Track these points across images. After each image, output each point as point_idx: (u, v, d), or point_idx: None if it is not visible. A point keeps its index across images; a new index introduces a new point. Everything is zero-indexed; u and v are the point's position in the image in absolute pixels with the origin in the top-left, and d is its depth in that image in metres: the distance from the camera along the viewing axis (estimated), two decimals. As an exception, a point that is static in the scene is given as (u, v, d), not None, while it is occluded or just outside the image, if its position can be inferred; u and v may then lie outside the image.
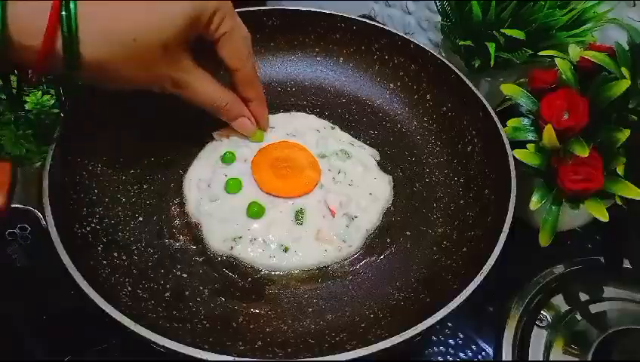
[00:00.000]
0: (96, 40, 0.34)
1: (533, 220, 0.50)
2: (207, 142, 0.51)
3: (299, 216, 0.46)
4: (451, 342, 0.48)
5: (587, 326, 0.47)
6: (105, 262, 0.41)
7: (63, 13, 0.32)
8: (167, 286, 0.42)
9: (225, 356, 0.32)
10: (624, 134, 0.42)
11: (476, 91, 0.50)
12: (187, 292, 0.42)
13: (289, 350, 0.38)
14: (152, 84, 0.39)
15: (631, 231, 0.49)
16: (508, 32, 0.52)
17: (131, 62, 0.36)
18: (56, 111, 0.49)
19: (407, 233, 0.47)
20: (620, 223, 0.47)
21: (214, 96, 0.43)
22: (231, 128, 0.50)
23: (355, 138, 0.54)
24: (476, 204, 0.47)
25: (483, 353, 0.48)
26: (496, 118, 0.48)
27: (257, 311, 0.41)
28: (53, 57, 0.33)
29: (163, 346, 0.32)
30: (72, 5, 0.32)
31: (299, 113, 0.56)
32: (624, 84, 0.42)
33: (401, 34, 0.56)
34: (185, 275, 0.43)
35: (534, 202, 0.45)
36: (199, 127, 0.51)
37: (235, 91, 0.46)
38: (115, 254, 0.42)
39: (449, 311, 0.35)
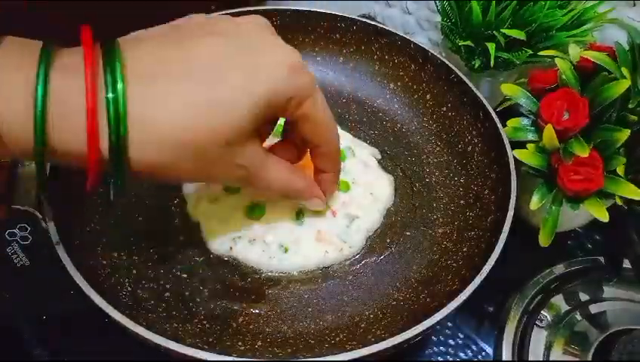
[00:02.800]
0: (145, 143, 0.29)
1: (533, 220, 0.50)
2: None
3: (299, 216, 0.46)
4: (451, 342, 0.48)
5: (587, 326, 0.47)
6: (105, 262, 0.41)
7: (112, 132, 0.28)
8: (167, 286, 0.42)
9: (225, 356, 0.32)
10: (624, 134, 0.42)
11: (476, 91, 0.50)
12: (187, 293, 0.42)
13: (289, 350, 0.38)
14: (216, 179, 0.36)
15: (631, 231, 0.49)
16: (508, 32, 0.52)
17: (190, 163, 0.31)
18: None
19: (407, 233, 0.47)
20: (620, 223, 0.47)
21: (286, 185, 0.39)
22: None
23: (356, 138, 0.54)
24: (476, 204, 0.47)
25: (483, 353, 0.48)
26: (496, 118, 0.48)
27: (257, 311, 0.41)
28: (98, 165, 0.29)
29: (163, 346, 0.32)
30: (120, 107, 0.28)
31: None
32: (624, 84, 0.42)
33: (401, 34, 0.56)
34: (185, 275, 0.43)
35: (534, 202, 0.45)
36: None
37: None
38: (115, 254, 0.42)
39: (449, 311, 0.35)
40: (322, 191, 0.43)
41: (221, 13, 0.55)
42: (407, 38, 0.55)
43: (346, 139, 0.53)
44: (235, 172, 0.34)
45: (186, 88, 0.29)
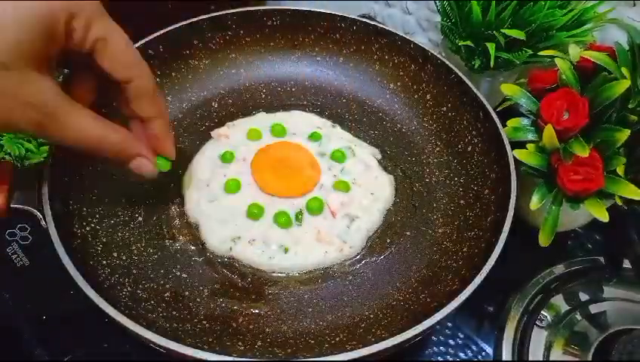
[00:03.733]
0: None
1: (533, 220, 0.50)
2: (206, 142, 0.51)
3: (299, 216, 0.46)
4: (451, 342, 0.48)
5: (587, 326, 0.47)
6: (105, 262, 0.41)
7: None
8: (167, 286, 0.42)
9: (225, 356, 0.32)
10: (624, 134, 0.42)
11: (476, 91, 0.50)
12: (187, 293, 0.42)
13: (289, 350, 0.38)
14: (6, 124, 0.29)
15: (631, 231, 0.49)
16: (508, 32, 0.52)
17: None
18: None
19: (407, 233, 0.47)
20: (620, 223, 0.47)
21: (96, 134, 0.32)
22: (230, 128, 0.50)
23: (356, 137, 0.54)
24: (476, 204, 0.47)
25: (483, 353, 0.48)
26: (496, 118, 0.48)
27: (257, 311, 0.41)
28: None
29: (163, 346, 0.32)
30: None
31: (299, 112, 0.56)
32: (624, 84, 0.42)
33: (401, 34, 0.56)
34: (185, 275, 0.43)
35: (534, 202, 0.45)
36: (198, 125, 0.51)
37: (127, 111, 0.36)
38: (115, 254, 0.42)
39: (449, 311, 0.35)
40: (153, 148, 0.36)
41: (221, 13, 0.55)
42: (407, 38, 0.55)
43: (345, 138, 0.53)
44: (24, 112, 0.29)
45: None
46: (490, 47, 0.53)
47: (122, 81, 0.33)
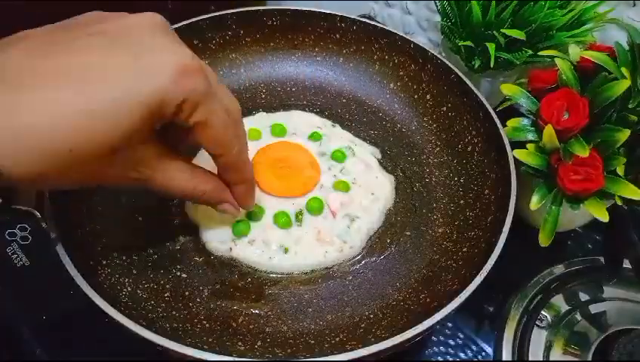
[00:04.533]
0: (20, 154, 0.26)
1: (533, 220, 0.50)
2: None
3: (299, 216, 0.46)
4: (451, 342, 0.48)
5: (587, 326, 0.47)
6: (105, 262, 0.41)
7: None
8: (167, 286, 0.42)
9: (225, 356, 0.32)
10: (624, 134, 0.42)
11: (476, 91, 0.50)
12: (187, 293, 0.42)
13: (289, 350, 0.38)
14: (110, 182, 0.32)
15: (631, 231, 0.49)
16: (508, 32, 0.52)
17: (75, 171, 0.29)
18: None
19: (407, 233, 0.47)
20: (620, 223, 0.47)
21: (188, 187, 0.36)
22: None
23: (356, 137, 0.54)
24: (476, 204, 0.47)
25: (483, 353, 0.48)
26: (496, 118, 0.48)
27: (257, 311, 0.41)
28: None
29: (163, 346, 0.32)
30: None
31: (299, 112, 0.56)
32: (624, 84, 0.42)
33: (401, 34, 0.56)
34: (185, 275, 0.43)
35: (534, 202, 0.45)
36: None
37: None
38: (115, 254, 0.42)
39: (449, 311, 0.35)
40: (238, 201, 0.40)
41: (221, 13, 0.55)
42: (407, 38, 0.55)
43: (346, 138, 0.53)
44: (127, 175, 0.32)
45: (63, 94, 0.27)
46: (490, 47, 0.53)
47: (214, 155, 0.36)
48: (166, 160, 0.34)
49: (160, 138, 0.33)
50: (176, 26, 0.53)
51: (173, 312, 0.40)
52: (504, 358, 0.45)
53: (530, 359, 0.45)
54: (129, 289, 0.40)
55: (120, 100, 0.28)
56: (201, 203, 0.39)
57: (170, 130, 0.34)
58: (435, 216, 0.49)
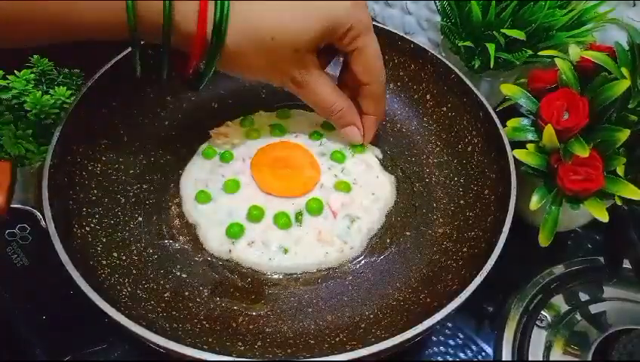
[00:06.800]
0: (240, 33, 0.36)
1: (533, 220, 0.50)
2: (205, 141, 0.51)
3: (299, 216, 0.45)
4: (451, 342, 0.48)
5: (587, 326, 0.47)
6: (105, 262, 0.41)
7: (217, 12, 0.35)
8: (167, 286, 0.42)
9: (225, 356, 0.32)
10: (624, 134, 0.42)
11: (476, 91, 0.50)
12: (187, 293, 0.42)
13: (289, 350, 0.38)
14: (275, 78, 0.42)
15: (631, 231, 0.49)
16: (508, 32, 0.52)
17: (264, 56, 0.38)
18: (56, 111, 0.49)
19: (407, 233, 0.47)
20: (620, 223, 0.47)
21: (330, 100, 0.44)
22: (229, 126, 0.50)
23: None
24: (476, 204, 0.47)
25: (483, 353, 0.48)
26: (496, 118, 0.48)
27: (257, 311, 0.41)
28: (203, 44, 0.36)
29: (163, 346, 0.32)
30: (225, 4, 0.35)
31: (299, 112, 0.56)
32: (624, 84, 0.42)
33: (401, 34, 0.56)
34: (184, 275, 0.43)
35: (534, 202, 0.45)
36: (198, 125, 0.51)
37: (356, 100, 0.46)
38: (115, 254, 0.42)
39: (449, 311, 0.35)
40: (365, 130, 0.48)
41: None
42: (407, 38, 0.55)
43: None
44: (293, 75, 0.41)
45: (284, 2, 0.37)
46: (490, 47, 0.53)
47: (361, 83, 0.44)
48: (321, 72, 0.43)
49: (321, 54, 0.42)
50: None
51: (173, 312, 0.40)
52: (504, 358, 0.45)
53: (530, 359, 0.45)
54: (129, 289, 0.40)
55: (313, 11, 0.38)
56: (333, 120, 0.46)
57: (323, 54, 0.42)
58: (435, 216, 0.49)
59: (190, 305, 0.41)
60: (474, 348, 0.48)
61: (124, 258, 0.42)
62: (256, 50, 0.38)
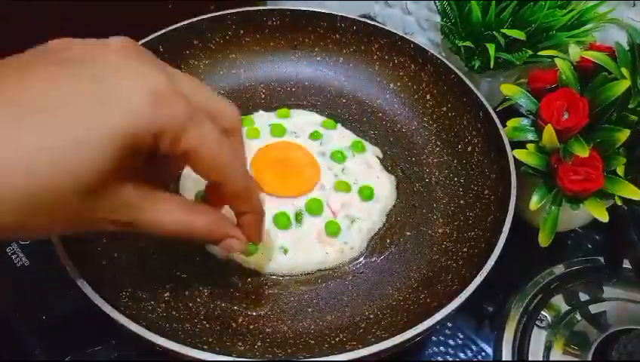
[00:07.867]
0: None
1: (533, 220, 0.50)
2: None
3: (298, 217, 0.45)
4: (451, 342, 0.48)
5: (587, 326, 0.47)
6: (105, 262, 0.41)
7: None
8: (167, 286, 0.42)
9: (225, 356, 0.32)
10: (624, 134, 0.42)
11: (476, 91, 0.50)
12: (187, 293, 0.42)
13: (289, 350, 0.38)
14: (91, 230, 0.29)
15: (631, 231, 0.49)
16: (508, 32, 0.52)
17: (42, 219, 0.25)
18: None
19: (407, 233, 0.47)
20: (620, 223, 0.47)
21: (182, 226, 0.31)
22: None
23: (357, 137, 0.54)
24: (476, 204, 0.47)
25: (483, 353, 0.48)
26: (496, 118, 0.48)
27: (257, 311, 0.41)
28: None
29: (163, 346, 0.32)
30: None
31: (299, 111, 0.56)
32: (624, 84, 0.42)
33: (401, 34, 0.56)
34: (185, 275, 0.43)
35: (534, 202, 0.45)
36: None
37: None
38: (115, 254, 0.42)
39: (449, 311, 0.35)
40: (246, 234, 0.36)
41: (221, 13, 0.55)
42: (407, 38, 0.55)
43: (347, 138, 0.53)
44: (113, 219, 0.28)
45: (29, 125, 0.24)
46: (490, 47, 0.53)
47: (216, 184, 0.32)
48: (152, 198, 0.30)
49: (142, 172, 0.29)
50: (176, 25, 0.53)
51: (173, 312, 0.40)
52: (504, 358, 0.45)
53: (530, 359, 0.45)
54: (129, 289, 0.40)
55: (90, 132, 0.25)
56: (201, 241, 0.37)
57: (151, 160, 0.29)
58: (435, 216, 0.49)
59: (190, 305, 0.41)
60: (474, 348, 0.48)
61: (124, 258, 0.42)
62: (21, 217, 0.24)
